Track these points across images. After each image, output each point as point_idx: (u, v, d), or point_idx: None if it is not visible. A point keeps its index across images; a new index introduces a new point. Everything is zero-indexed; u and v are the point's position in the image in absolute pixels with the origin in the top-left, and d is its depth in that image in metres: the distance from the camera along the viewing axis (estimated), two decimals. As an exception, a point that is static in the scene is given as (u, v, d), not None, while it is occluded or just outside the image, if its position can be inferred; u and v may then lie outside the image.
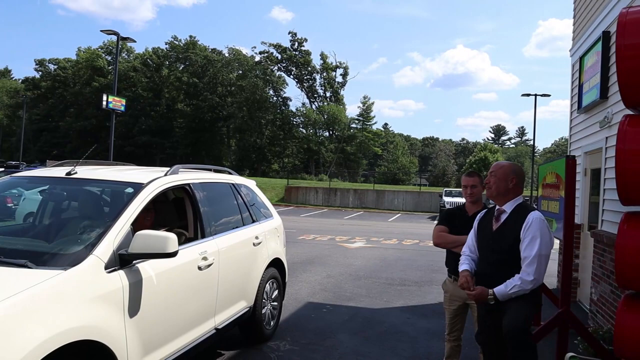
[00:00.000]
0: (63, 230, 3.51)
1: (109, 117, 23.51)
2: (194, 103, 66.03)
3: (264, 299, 5.22)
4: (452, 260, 4.16)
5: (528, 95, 32.49)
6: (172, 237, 3.15)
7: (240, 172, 55.95)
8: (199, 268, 3.88)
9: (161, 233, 3.14)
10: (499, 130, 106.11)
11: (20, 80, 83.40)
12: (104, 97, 21.52)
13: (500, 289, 3.08)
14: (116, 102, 21.85)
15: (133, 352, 3.05)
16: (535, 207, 3.15)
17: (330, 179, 47.02)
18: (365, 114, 69.16)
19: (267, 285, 5.31)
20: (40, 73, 76.36)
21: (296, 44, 67.68)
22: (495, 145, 74.04)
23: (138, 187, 3.62)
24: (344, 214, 28.87)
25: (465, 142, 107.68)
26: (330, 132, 68.02)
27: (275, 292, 5.58)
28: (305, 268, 9.86)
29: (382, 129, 78.63)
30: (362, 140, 66.69)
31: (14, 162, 47.66)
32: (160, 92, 67.17)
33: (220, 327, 4.27)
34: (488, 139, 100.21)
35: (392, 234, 17.33)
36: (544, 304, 6.31)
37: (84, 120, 64.74)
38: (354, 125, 69.05)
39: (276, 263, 5.59)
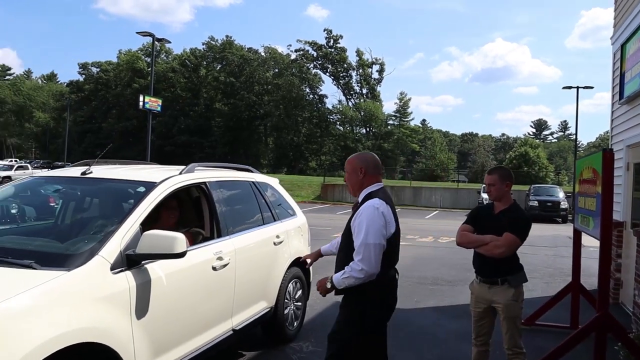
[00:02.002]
0: (74, 230, 3.49)
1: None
2: (232, 102, 66.68)
3: (287, 299, 5.11)
4: (478, 260, 3.96)
5: (569, 87, 31.46)
6: (180, 237, 3.06)
7: (277, 170, 56.00)
8: (214, 268, 3.80)
9: (169, 233, 3.06)
10: (540, 125, 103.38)
11: (65, 84, 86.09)
12: (141, 98, 21.91)
13: (335, 276, 3.03)
14: (152, 102, 22.24)
15: (141, 354, 2.98)
16: (380, 197, 2.95)
17: (367, 176, 46.55)
18: (402, 110, 68.51)
19: (290, 285, 5.20)
20: (83, 76, 78.61)
21: (332, 41, 67.46)
22: (537, 140, 72.15)
23: (150, 186, 3.55)
24: (380, 211, 28.54)
25: (505, 137, 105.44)
26: (367, 129, 67.61)
27: (299, 292, 5.46)
28: (336, 266, 9.71)
29: (420, 125, 77.82)
30: (399, 137, 66.06)
31: (59, 163, 49.29)
32: (198, 92, 68.17)
33: (238, 328, 4.18)
34: (529, 133, 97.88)
35: (428, 232, 17.00)
36: (582, 307, 6.04)
37: (126, 121, 66.32)
38: (391, 122, 68.47)
39: (299, 262, 5.47)
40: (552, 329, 5.97)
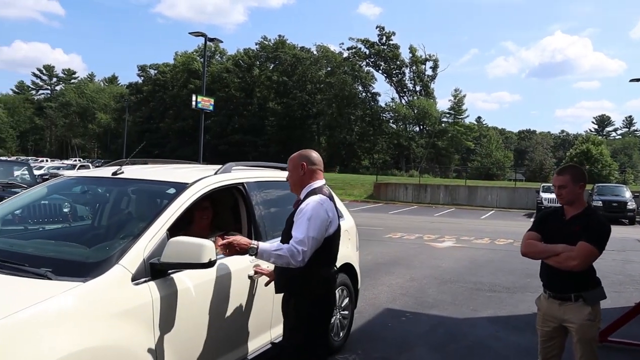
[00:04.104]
0: (100, 234, 3.27)
1: (205, 117, 24.24)
2: (284, 101, 67.05)
3: (332, 307, 4.76)
4: (547, 273, 3.45)
5: (638, 80, 29.60)
6: (209, 245, 2.77)
7: (330, 169, 55.85)
8: (250, 277, 3.50)
9: (196, 240, 2.77)
10: (603, 121, 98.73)
11: (125, 86, 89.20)
12: (194, 98, 22.18)
13: (265, 245, 2.94)
14: (205, 102, 22.47)
15: (166, 373, 2.71)
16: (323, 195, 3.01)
17: (420, 174, 45.62)
18: (457, 107, 66.87)
19: (336, 292, 4.84)
20: (142, 78, 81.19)
21: (384, 38, 66.54)
22: (599, 137, 68.75)
23: (181, 188, 3.28)
24: (434, 210, 27.82)
25: (565, 134, 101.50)
26: (421, 127, 66.36)
27: (346, 301, 5.10)
28: (388, 269, 9.32)
29: (475, 123, 75.72)
30: (453, 135, 64.45)
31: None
32: (252, 92, 68.95)
33: (277, 341, 3.88)
34: (590, 130, 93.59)
35: (484, 233, 16.27)
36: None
37: (182, 121, 67.87)
38: (445, 120, 66.96)
39: (346, 269, 5.10)
40: (629, 346, 5.36)
